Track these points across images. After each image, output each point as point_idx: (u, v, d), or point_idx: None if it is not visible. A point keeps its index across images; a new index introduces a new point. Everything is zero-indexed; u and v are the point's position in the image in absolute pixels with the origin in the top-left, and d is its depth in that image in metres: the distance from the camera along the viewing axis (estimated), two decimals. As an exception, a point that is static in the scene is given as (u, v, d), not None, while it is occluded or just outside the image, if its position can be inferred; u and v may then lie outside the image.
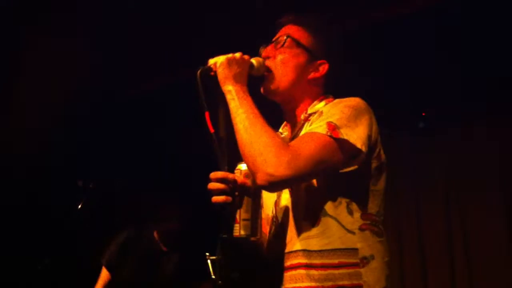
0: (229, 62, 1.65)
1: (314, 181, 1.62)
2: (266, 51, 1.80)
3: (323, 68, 1.78)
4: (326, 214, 1.60)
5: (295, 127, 1.77)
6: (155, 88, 4.45)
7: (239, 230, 1.58)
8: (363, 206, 1.61)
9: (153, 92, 4.44)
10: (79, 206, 3.76)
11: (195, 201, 4.23)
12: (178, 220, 3.64)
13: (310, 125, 1.63)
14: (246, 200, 1.60)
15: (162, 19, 3.74)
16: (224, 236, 1.56)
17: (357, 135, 1.55)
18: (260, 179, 1.49)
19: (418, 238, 4.37)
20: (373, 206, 1.64)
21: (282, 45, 1.77)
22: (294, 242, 1.62)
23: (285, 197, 1.69)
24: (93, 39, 3.71)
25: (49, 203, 4.30)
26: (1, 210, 4.16)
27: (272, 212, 1.74)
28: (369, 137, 1.58)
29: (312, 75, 1.77)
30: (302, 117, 1.75)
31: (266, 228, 1.77)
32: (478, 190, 4.17)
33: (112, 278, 3.45)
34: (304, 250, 1.60)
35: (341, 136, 1.52)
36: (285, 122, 1.85)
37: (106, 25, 3.64)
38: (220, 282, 1.52)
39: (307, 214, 1.61)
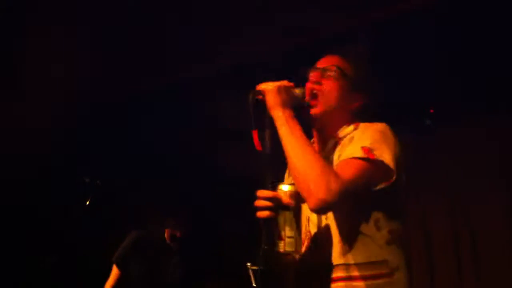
0: (279, 90, 1.81)
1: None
2: (314, 75, 1.94)
3: (361, 99, 1.95)
4: (359, 231, 1.76)
5: (325, 147, 1.92)
6: (154, 88, 4.44)
7: (283, 247, 1.71)
8: (389, 221, 1.78)
9: (153, 92, 4.44)
10: (87, 203, 3.78)
11: (198, 202, 4.24)
12: (185, 222, 3.67)
13: (343, 148, 1.80)
14: (290, 219, 1.73)
15: (162, 19, 3.74)
16: (265, 247, 1.69)
17: (389, 156, 1.73)
18: (313, 204, 1.64)
19: (425, 238, 4.39)
20: (397, 221, 1.80)
21: (332, 76, 1.93)
22: (333, 256, 1.77)
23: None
24: (94, 39, 3.71)
25: (54, 201, 4.28)
26: (7, 209, 4.15)
27: (306, 227, 1.89)
28: (397, 157, 1.75)
29: (351, 105, 1.94)
30: (332, 140, 1.91)
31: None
32: (483, 189, 4.19)
33: (123, 276, 3.52)
34: (343, 264, 1.75)
35: (376, 158, 1.70)
36: (313, 139, 1.99)
37: (106, 25, 3.64)
38: None
39: (342, 230, 1.77)
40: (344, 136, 1.87)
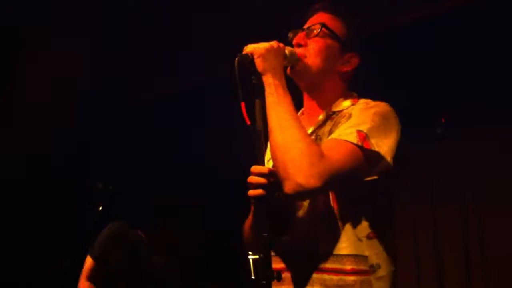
0: (268, 52, 1.60)
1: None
2: (297, 38, 1.76)
3: (354, 61, 1.76)
4: (341, 219, 1.59)
5: (316, 121, 1.73)
6: (159, 92, 4.43)
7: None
8: (373, 214, 1.61)
9: (158, 95, 4.43)
10: (99, 208, 3.74)
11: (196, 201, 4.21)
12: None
13: (336, 126, 1.63)
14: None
15: (167, 22, 3.71)
16: (264, 234, 1.51)
17: (387, 147, 1.55)
18: (289, 187, 1.47)
19: (434, 240, 4.37)
20: (384, 215, 1.64)
21: (317, 35, 1.73)
22: (307, 244, 1.61)
23: None
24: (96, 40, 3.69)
25: (68, 204, 4.27)
26: (21, 211, 4.14)
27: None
28: (396, 147, 1.58)
29: (343, 67, 1.75)
30: (325, 113, 1.72)
31: None
32: (495, 191, 4.15)
33: (99, 268, 3.35)
34: (317, 253, 1.59)
35: (372, 148, 1.52)
36: (302, 110, 1.82)
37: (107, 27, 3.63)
38: (264, 281, 1.47)
39: (323, 217, 1.61)
40: (339, 111, 1.69)
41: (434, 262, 4.33)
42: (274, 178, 1.52)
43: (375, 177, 1.58)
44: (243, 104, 1.53)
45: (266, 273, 1.48)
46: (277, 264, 1.65)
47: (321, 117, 1.72)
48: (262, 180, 1.52)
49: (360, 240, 1.58)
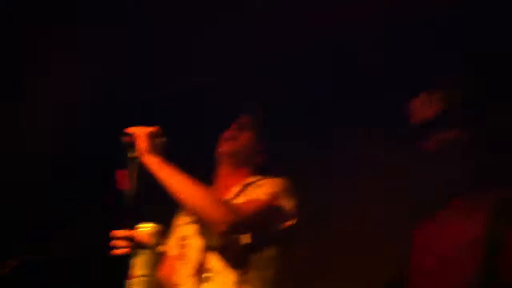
0: (148, 136, 1.88)
1: (242, 237, 1.94)
2: (232, 125, 2.24)
3: (262, 156, 2.24)
4: (250, 265, 1.93)
5: (231, 192, 2.10)
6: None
7: (136, 285, 1.71)
8: (276, 262, 2.01)
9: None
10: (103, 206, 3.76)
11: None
12: None
13: (250, 194, 2.02)
14: (147, 257, 1.75)
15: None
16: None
17: (291, 206, 2.00)
18: (220, 227, 1.81)
19: None
20: (280, 263, 2.01)
21: (242, 128, 2.23)
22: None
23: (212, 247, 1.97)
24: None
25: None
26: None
27: (198, 259, 1.98)
28: (295, 206, 2.01)
29: (255, 157, 2.22)
30: (240, 185, 2.11)
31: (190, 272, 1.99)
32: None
33: None
34: None
35: (279, 203, 1.97)
36: (214, 186, 2.19)
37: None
38: None
39: (235, 263, 1.93)
40: (252, 183, 2.09)
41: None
42: (133, 240, 1.76)
43: (282, 228, 1.98)
44: (124, 172, 1.82)
45: None
46: None
47: (236, 188, 2.11)
48: (124, 243, 1.77)
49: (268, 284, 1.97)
